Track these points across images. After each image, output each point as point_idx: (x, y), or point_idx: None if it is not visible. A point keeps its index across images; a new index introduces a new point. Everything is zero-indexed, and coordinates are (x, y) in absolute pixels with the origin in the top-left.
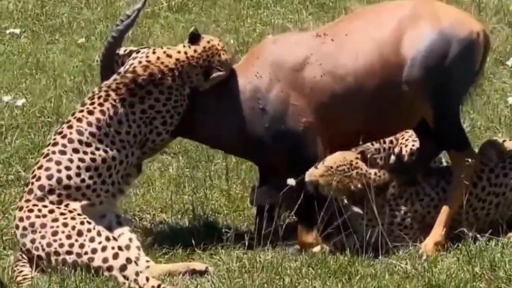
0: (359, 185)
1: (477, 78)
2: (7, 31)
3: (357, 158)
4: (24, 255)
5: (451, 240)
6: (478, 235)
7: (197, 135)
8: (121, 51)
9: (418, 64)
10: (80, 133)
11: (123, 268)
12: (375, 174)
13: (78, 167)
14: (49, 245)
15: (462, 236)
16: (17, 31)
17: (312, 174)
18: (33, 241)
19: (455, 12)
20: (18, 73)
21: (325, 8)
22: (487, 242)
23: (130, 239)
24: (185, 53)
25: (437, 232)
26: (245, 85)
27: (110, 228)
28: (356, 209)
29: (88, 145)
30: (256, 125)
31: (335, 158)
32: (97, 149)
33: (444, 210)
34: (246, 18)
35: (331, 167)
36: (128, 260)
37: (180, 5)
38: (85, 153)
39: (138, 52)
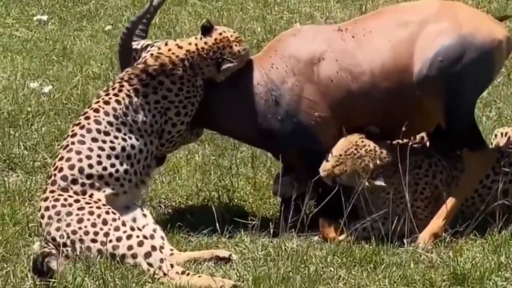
0: (373, 161)
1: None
2: (35, 18)
3: (361, 137)
4: (49, 244)
5: (477, 229)
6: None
7: (214, 125)
8: (138, 45)
9: (434, 68)
10: (98, 122)
11: (147, 255)
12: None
13: (99, 156)
14: (74, 232)
15: (488, 225)
16: (45, 17)
17: (325, 168)
18: (58, 229)
19: (478, 18)
20: (45, 60)
21: None
22: None
23: (154, 230)
24: (196, 44)
25: (437, 223)
26: (260, 76)
27: (134, 220)
28: (379, 182)
29: (107, 133)
30: (270, 117)
31: (341, 145)
32: (116, 137)
33: (448, 203)
34: (274, 5)
35: (340, 155)
36: (153, 248)
37: None
38: (104, 141)
39: (152, 46)
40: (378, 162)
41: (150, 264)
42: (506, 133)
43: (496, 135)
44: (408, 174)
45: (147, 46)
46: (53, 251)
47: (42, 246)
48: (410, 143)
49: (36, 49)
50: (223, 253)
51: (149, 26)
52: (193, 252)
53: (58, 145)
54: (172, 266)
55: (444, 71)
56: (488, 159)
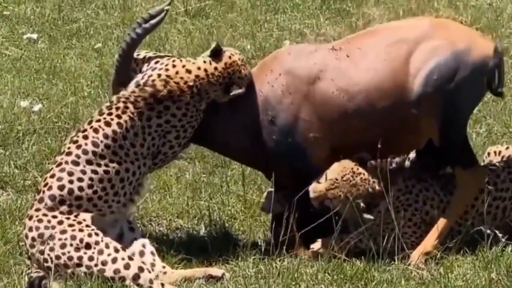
0: (366, 191)
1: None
2: (24, 36)
3: (355, 165)
4: (35, 265)
5: (467, 245)
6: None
7: (207, 142)
8: (139, 55)
9: (429, 85)
10: (95, 144)
11: (136, 277)
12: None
13: (91, 179)
14: (58, 257)
15: (477, 242)
16: (34, 36)
17: (317, 189)
18: (42, 252)
19: (471, 35)
20: (35, 78)
21: (342, 14)
22: (504, 248)
23: (144, 245)
24: (205, 70)
25: (429, 242)
26: (256, 95)
27: (121, 235)
28: (368, 216)
29: (103, 157)
30: (265, 137)
31: (337, 169)
32: (111, 161)
33: (441, 222)
34: (263, 23)
35: (336, 179)
36: (140, 269)
37: (197, 10)
38: (98, 165)
39: (157, 62)
40: (370, 191)
41: (140, 286)
42: (500, 152)
43: (489, 153)
44: (398, 199)
45: (149, 58)
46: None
47: (28, 266)
48: (392, 165)
49: (26, 67)
50: (215, 271)
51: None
52: (186, 271)
53: (49, 163)
54: (162, 285)
55: (439, 88)
56: (480, 177)
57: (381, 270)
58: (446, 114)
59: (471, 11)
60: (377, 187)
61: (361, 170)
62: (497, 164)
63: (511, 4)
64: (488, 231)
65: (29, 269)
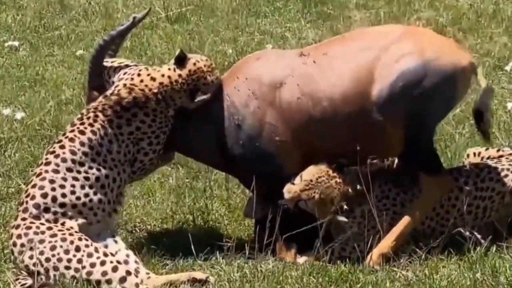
0: (340, 194)
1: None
2: (6, 44)
3: (331, 168)
4: (23, 271)
5: (452, 246)
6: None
7: (182, 149)
8: (109, 63)
9: (394, 92)
10: (73, 152)
11: (122, 280)
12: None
13: (73, 186)
14: (47, 260)
15: (462, 242)
16: (16, 43)
17: (291, 190)
18: (31, 257)
19: (442, 44)
20: (17, 86)
21: (323, 17)
22: (488, 248)
23: (127, 255)
24: (169, 77)
25: (386, 243)
26: (223, 99)
27: (106, 247)
28: (341, 217)
29: (82, 164)
30: (231, 141)
31: (312, 171)
32: (90, 168)
33: (400, 224)
34: (245, 27)
35: (311, 180)
36: (128, 273)
37: (178, 15)
38: (78, 172)
39: (125, 72)
40: (343, 195)
41: None
42: (479, 153)
43: (468, 155)
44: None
45: (119, 68)
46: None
47: (15, 274)
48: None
49: (7, 75)
50: (200, 275)
51: (121, 45)
52: (170, 275)
53: (32, 171)
54: None
55: (404, 95)
56: (445, 184)
57: (366, 272)
58: (411, 121)
59: (452, 12)
60: (350, 191)
61: (336, 173)
62: (477, 164)
63: (492, 5)
64: (467, 233)
65: (17, 279)
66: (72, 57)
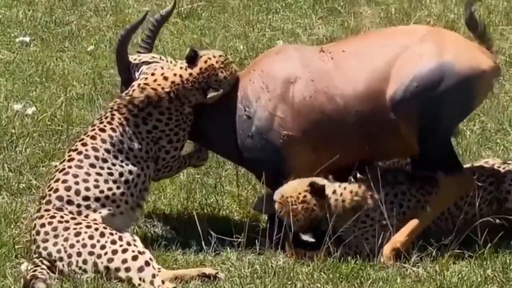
0: (305, 219)
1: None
2: (17, 40)
3: (306, 190)
4: (43, 261)
5: (462, 243)
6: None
7: (202, 141)
8: (135, 60)
9: (408, 92)
10: (95, 149)
11: (141, 269)
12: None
13: (96, 180)
14: (72, 246)
15: (473, 239)
16: (27, 39)
17: (276, 196)
18: (55, 244)
19: (464, 47)
20: (28, 82)
21: (334, 13)
22: (499, 245)
23: (143, 249)
24: (181, 76)
25: (398, 239)
26: (238, 91)
27: None
28: (305, 237)
29: (104, 161)
30: (242, 133)
31: (286, 188)
32: (113, 164)
33: (414, 221)
34: (256, 23)
35: (283, 196)
36: (147, 263)
37: (189, 11)
38: (101, 168)
39: (142, 71)
40: (310, 220)
41: (141, 279)
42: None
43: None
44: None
45: (141, 64)
46: (38, 273)
47: (33, 263)
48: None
49: (18, 71)
50: (210, 270)
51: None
52: (180, 270)
53: (43, 166)
54: (163, 282)
55: (419, 96)
56: (463, 184)
57: (376, 268)
58: (425, 122)
59: (462, 8)
60: (318, 217)
61: (308, 198)
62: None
63: (503, 1)
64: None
65: (33, 275)
66: (83, 53)
